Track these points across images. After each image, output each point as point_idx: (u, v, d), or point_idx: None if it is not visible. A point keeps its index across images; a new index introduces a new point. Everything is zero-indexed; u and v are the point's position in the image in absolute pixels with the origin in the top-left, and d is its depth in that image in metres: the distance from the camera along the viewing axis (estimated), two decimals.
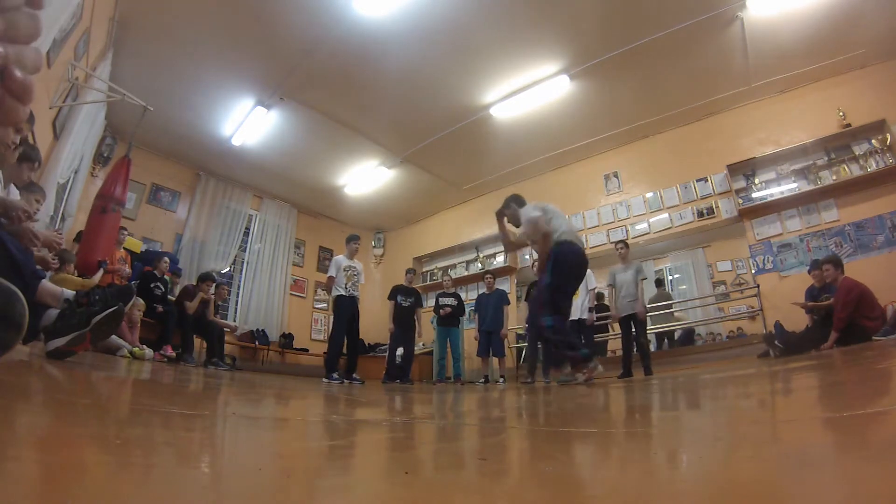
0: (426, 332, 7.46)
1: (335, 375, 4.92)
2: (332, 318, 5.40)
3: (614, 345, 7.41)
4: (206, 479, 0.53)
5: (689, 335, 7.42)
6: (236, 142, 6.71)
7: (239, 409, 1.52)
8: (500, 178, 8.01)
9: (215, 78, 5.55)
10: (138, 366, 3.19)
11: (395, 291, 6.18)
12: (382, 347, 7.52)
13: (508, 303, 6.44)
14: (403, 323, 6.04)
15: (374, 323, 7.82)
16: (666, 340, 7.33)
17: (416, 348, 7.85)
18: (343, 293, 5.22)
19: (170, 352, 4.88)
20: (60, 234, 2.57)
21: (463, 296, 7.37)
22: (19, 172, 2.33)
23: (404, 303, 6.08)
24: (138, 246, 5.93)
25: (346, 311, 5.19)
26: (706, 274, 8.15)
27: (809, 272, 4.69)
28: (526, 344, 6.59)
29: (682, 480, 0.55)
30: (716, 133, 6.26)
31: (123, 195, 4.20)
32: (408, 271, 6.65)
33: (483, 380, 6.16)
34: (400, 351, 6.00)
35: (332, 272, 5.33)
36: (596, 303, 5.77)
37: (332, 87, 5.72)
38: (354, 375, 5.17)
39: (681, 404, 1.78)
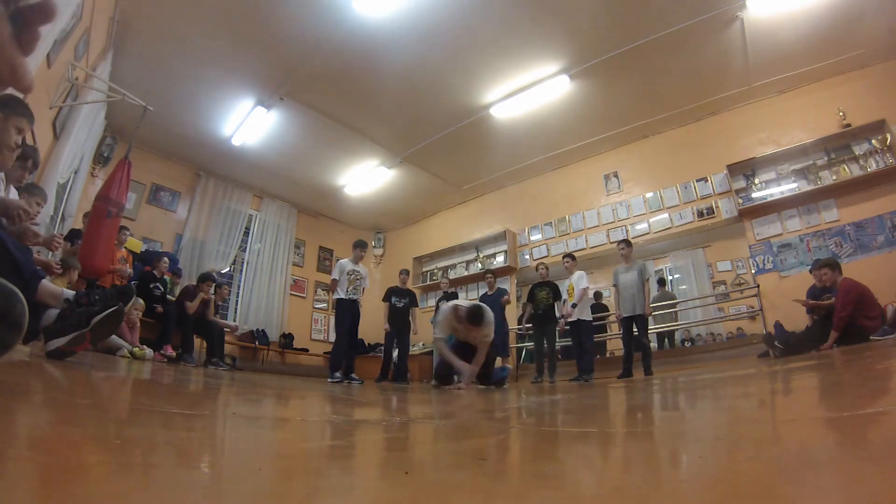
0: (426, 332, 7.42)
1: (337, 375, 5.08)
2: (332, 320, 5.54)
3: (613, 345, 7.42)
4: (206, 480, 0.53)
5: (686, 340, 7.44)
6: (236, 142, 6.70)
7: (239, 409, 1.52)
8: (500, 178, 8.02)
9: (215, 78, 5.55)
10: (138, 366, 3.18)
11: (390, 293, 6.18)
12: (382, 347, 7.51)
13: (509, 301, 6.47)
14: (398, 323, 6.05)
15: (373, 323, 7.80)
16: (667, 341, 7.33)
17: (416, 348, 7.87)
18: (343, 297, 5.34)
19: (170, 352, 4.88)
20: (61, 236, 2.57)
21: (463, 296, 7.36)
22: (15, 171, 2.33)
23: (398, 304, 6.09)
24: (139, 246, 5.92)
25: (344, 314, 5.33)
26: (706, 274, 8.14)
27: (811, 272, 4.69)
28: (529, 344, 6.60)
29: (683, 480, 0.55)
30: (716, 133, 6.25)
31: (124, 198, 4.19)
32: (402, 272, 6.57)
33: None
34: (397, 351, 6.02)
35: (335, 275, 5.48)
36: (594, 302, 5.77)
37: (333, 88, 5.72)
38: (353, 375, 5.23)
39: (681, 404, 1.78)
